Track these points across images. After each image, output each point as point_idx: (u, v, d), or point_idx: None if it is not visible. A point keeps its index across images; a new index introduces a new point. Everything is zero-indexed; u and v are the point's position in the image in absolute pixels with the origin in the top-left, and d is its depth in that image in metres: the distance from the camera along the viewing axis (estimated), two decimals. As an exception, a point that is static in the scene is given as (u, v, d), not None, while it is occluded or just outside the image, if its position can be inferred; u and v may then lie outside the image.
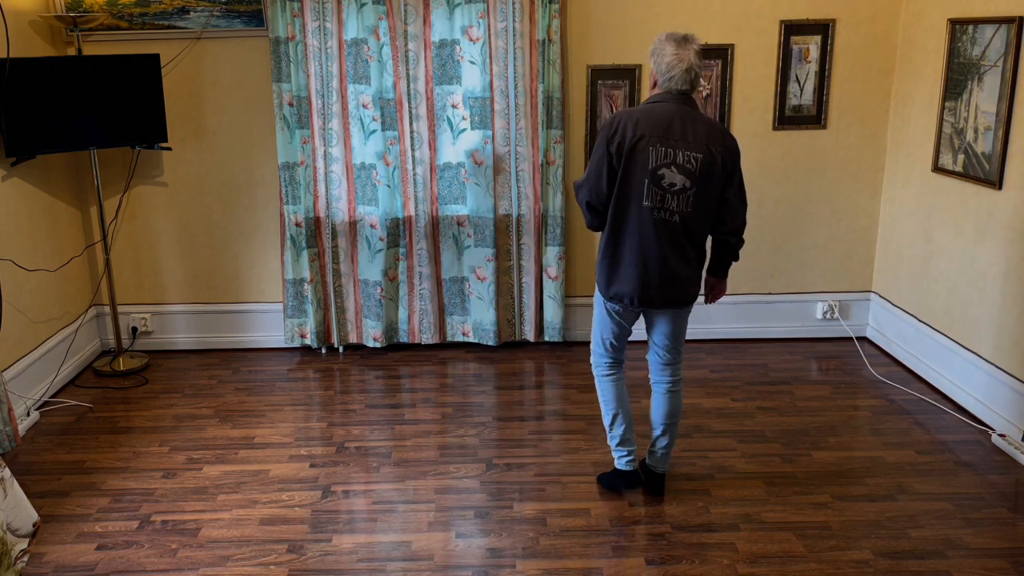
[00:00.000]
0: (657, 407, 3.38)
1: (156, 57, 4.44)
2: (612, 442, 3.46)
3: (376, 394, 4.44)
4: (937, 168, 4.34)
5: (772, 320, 5.09)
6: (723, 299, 5.02)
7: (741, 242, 3.25)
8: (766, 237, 4.95)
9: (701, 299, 4.92)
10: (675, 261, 3.11)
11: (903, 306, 4.72)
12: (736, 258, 3.31)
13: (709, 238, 3.24)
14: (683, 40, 3.04)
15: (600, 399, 3.45)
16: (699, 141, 3.02)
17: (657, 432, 3.40)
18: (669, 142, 3.01)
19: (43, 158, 4.41)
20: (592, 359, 3.44)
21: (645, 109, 3.07)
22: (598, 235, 4.91)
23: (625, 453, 3.44)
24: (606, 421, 3.44)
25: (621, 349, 3.40)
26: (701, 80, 3.07)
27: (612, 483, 3.50)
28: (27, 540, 2.78)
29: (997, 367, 3.93)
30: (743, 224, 3.20)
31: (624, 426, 3.41)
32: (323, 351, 5.01)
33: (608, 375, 3.41)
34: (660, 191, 3.04)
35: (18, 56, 4.11)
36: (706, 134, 3.04)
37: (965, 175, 4.11)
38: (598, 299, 3.32)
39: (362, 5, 4.48)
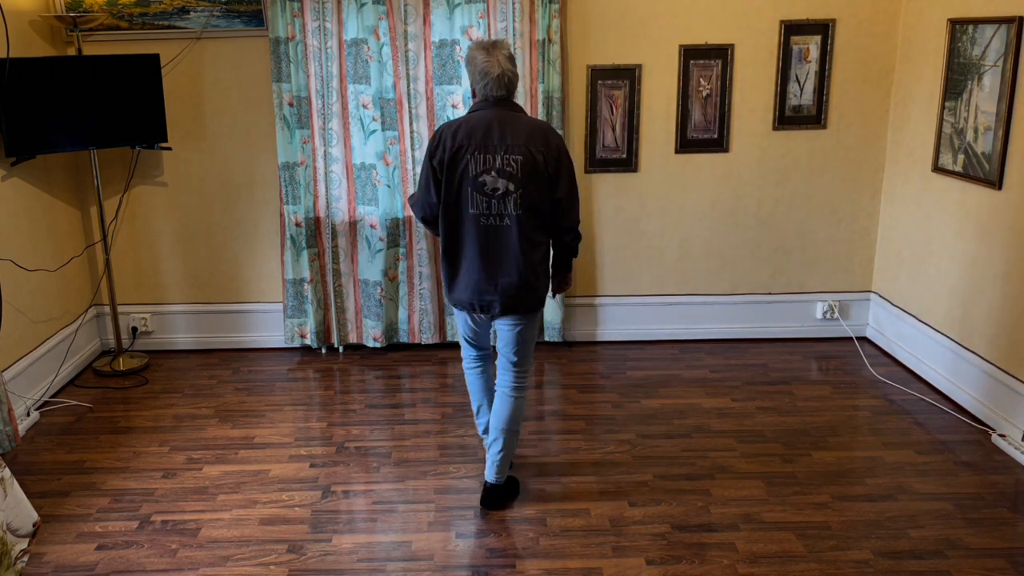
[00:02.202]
0: (495, 410, 3.34)
1: (156, 57, 4.44)
2: (479, 430, 3.55)
3: (376, 394, 4.44)
4: (937, 168, 4.34)
5: (772, 320, 5.09)
6: (723, 299, 5.03)
7: (578, 238, 3.24)
8: (766, 237, 4.95)
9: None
10: (512, 267, 3.12)
11: (903, 306, 4.72)
12: (575, 254, 3.31)
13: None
14: (492, 46, 3.07)
15: (469, 389, 3.54)
16: (518, 144, 3.03)
17: (491, 437, 3.34)
18: (488, 149, 3.04)
19: (43, 158, 4.41)
20: (462, 352, 3.52)
21: (464, 119, 3.11)
22: (598, 234, 4.92)
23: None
24: (473, 410, 3.55)
25: (484, 346, 3.46)
26: (516, 82, 3.13)
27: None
28: (27, 540, 2.78)
29: (997, 367, 3.93)
30: (576, 222, 3.19)
31: (488, 417, 3.47)
32: (323, 351, 5.01)
33: (473, 367, 3.48)
34: (484, 197, 3.06)
35: (18, 56, 4.11)
36: (526, 136, 3.05)
37: (965, 175, 4.11)
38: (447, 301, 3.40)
39: (362, 5, 4.48)
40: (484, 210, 3.07)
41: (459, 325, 3.41)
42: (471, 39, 4.53)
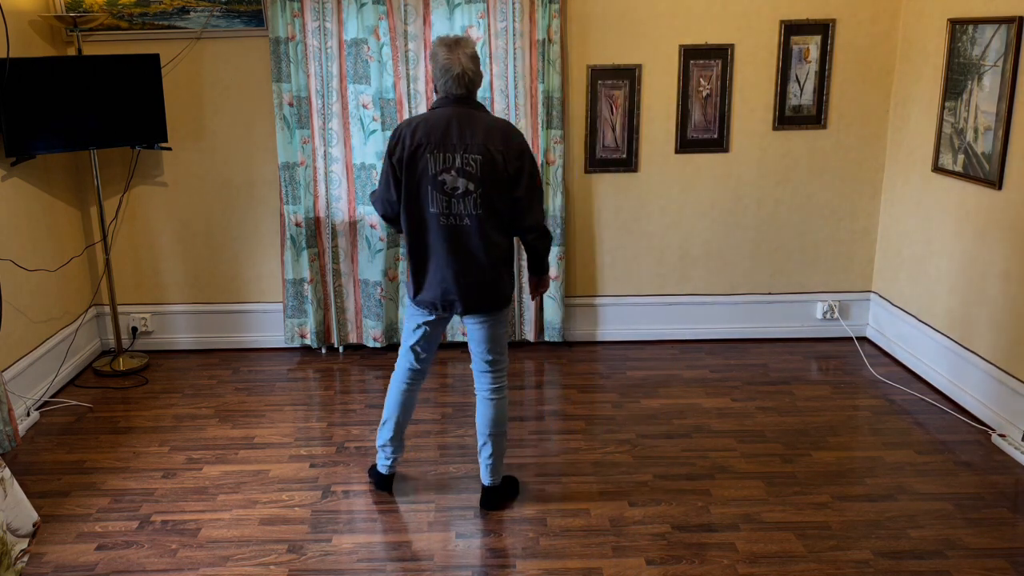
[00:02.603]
0: (479, 415, 3.32)
1: (156, 57, 4.44)
2: (377, 442, 3.46)
3: (376, 394, 4.44)
4: (937, 168, 4.34)
5: (772, 320, 5.09)
6: (723, 299, 5.03)
7: (543, 238, 3.19)
8: (766, 237, 4.95)
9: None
10: (473, 266, 3.10)
11: (903, 306, 4.72)
12: (544, 254, 3.26)
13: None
14: (455, 44, 3.04)
15: (386, 398, 3.42)
16: (477, 143, 3.01)
17: (480, 442, 3.34)
18: (447, 147, 3.01)
19: (43, 158, 4.41)
20: (397, 362, 3.40)
21: (424, 117, 3.08)
22: (598, 234, 4.92)
23: (385, 457, 3.45)
24: (381, 423, 3.44)
25: (427, 359, 3.36)
26: (479, 81, 3.11)
27: (372, 478, 3.52)
28: (27, 540, 2.78)
29: (997, 367, 3.93)
30: (538, 221, 3.14)
31: (392, 433, 3.40)
32: (323, 351, 5.01)
33: (403, 380, 3.37)
34: (445, 197, 3.04)
35: (18, 56, 4.11)
36: (485, 135, 3.02)
37: (965, 175, 4.11)
38: (408, 305, 3.31)
39: (362, 5, 4.48)
40: (444, 209, 3.05)
41: (407, 329, 3.33)
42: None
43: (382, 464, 3.46)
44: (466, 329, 3.30)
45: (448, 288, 3.12)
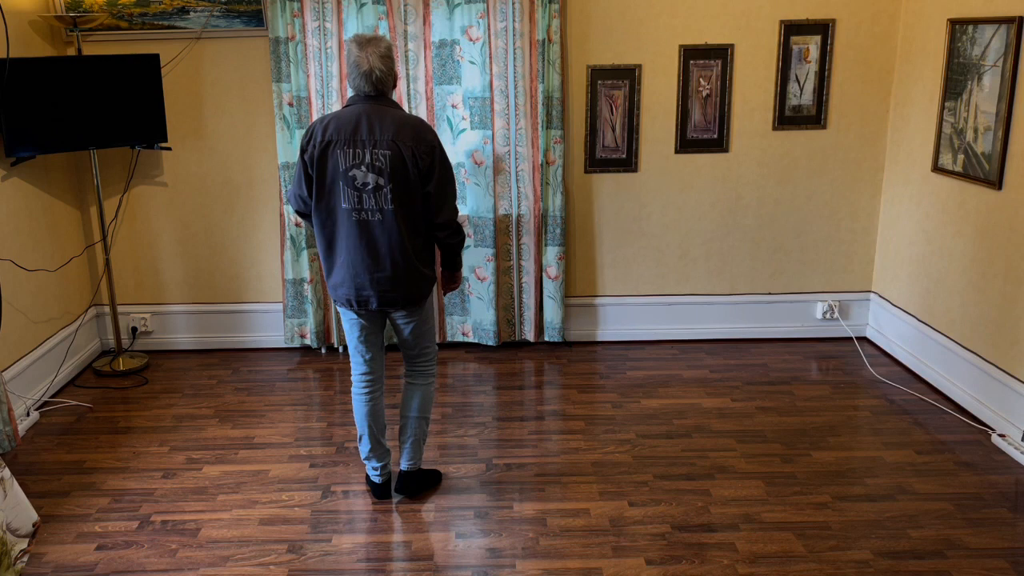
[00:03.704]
0: (403, 399, 3.42)
1: (156, 57, 4.44)
2: (361, 456, 3.47)
3: (376, 394, 4.44)
4: (937, 168, 4.34)
5: (772, 320, 5.09)
6: (723, 299, 5.03)
7: (455, 235, 3.21)
8: (766, 237, 4.95)
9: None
10: (386, 261, 3.12)
11: (903, 306, 4.72)
12: (456, 252, 3.29)
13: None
14: (367, 42, 3.04)
15: (354, 414, 3.42)
16: (387, 139, 3.03)
17: (400, 424, 3.42)
18: (356, 143, 3.03)
19: (43, 158, 4.41)
20: (352, 372, 3.40)
21: (336, 114, 3.10)
22: (598, 234, 4.93)
23: (372, 467, 3.45)
24: (358, 439, 3.43)
25: (375, 360, 3.35)
26: (390, 81, 3.13)
27: (369, 487, 3.52)
28: (27, 540, 2.78)
29: (997, 367, 3.93)
30: (450, 218, 3.16)
31: (370, 445, 3.39)
32: (323, 351, 5.01)
33: (361, 391, 3.36)
34: (355, 192, 3.06)
35: (18, 56, 4.11)
36: (395, 131, 3.03)
37: (965, 175, 4.11)
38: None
39: (362, 5, 4.48)
40: (356, 204, 3.07)
41: (346, 332, 3.34)
42: (471, 39, 4.53)
43: (374, 476, 3.46)
44: (391, 322, 3.32)
45: (361, 283, 3.14)
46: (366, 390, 3.35)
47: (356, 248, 3.11)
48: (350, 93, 3.15)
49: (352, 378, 3.39)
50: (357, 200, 3.07)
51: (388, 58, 3.06)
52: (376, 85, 3.06)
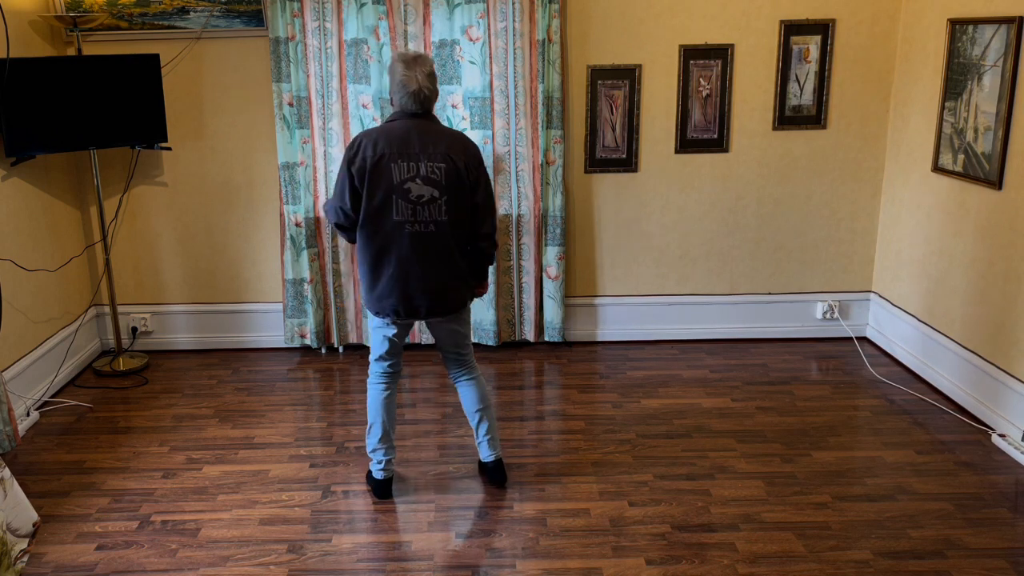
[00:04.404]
0: (464, 398, 3.46)
1: (156, 57, 4.44)
2: (368, 449, 3.48)
3: (376, 394, 4.44)
4: (937, 168, 4.34)
5: (772, 320, 5.09)
6: (723, 299, 5.03)
7: (493, 246, 3.33)
8: (766, 237, 4.95)
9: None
10: (438, 271, 3.19)
11: (903, 306, 4.72)
12: (491, 261, 3.38)
13: None
14: (413, 61, 3.11)
15: (368, 404, 3.44)
16: (440, 152, 3.11)
17: (476, 418, 3.47)
18: (411, 156, 3.10)
19: (43, 158, 4.41)
20: (371, 369, 3.42)
21: (384, 128, 3.15)
22: (598, 234, 4.92)
23: (378, 460, 3.46)
24: (368, 426, 3.45)
25: (399, 357, 3.42)
26: (435, 99, 3.20)
27: (371, 485, 3.52)
28: (27, 540, 2.79)
29: (997, 367, 3.93)
30: (494, 228, 3.29)
31: (380, 435, 3.41)
32: (323, 351, 5.01)
33: (379, 383, 3.40)
34: (410, 204, 3.12)
35: (18, 56, 4.11)
36: (447, 145, 3.13)
37: (965, 175, 4.11)
38: (369, 317, 3.37)
39: (362, 5, 4.48)
40: (409, 217, 3.13)
41: (375, 340, 3.37)
42: (471, 39, 4.53)
43: (377, 470, 3.46)
44: (432, 331, 3.39)
45: (413, 293, 3.19)
46: (386, 382, 3.41)
47: (409, 260, 3.16)
48: (393, 109, 3.21)
49: (371, 370, 3.42)
50: (411, 212, 3.12)
51: (433, 76, 3.15)
52: (423, 104, 3.14)
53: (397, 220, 3.12)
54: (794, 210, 4.92)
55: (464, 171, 3.15)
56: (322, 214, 4.75)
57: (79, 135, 4.31)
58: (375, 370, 3.41)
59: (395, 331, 3.33)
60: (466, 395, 3.45)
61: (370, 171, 3.09)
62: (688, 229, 4.93)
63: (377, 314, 3.28)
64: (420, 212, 3.13)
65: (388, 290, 3.20)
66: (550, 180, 4.73)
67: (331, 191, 4.70)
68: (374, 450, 3.44)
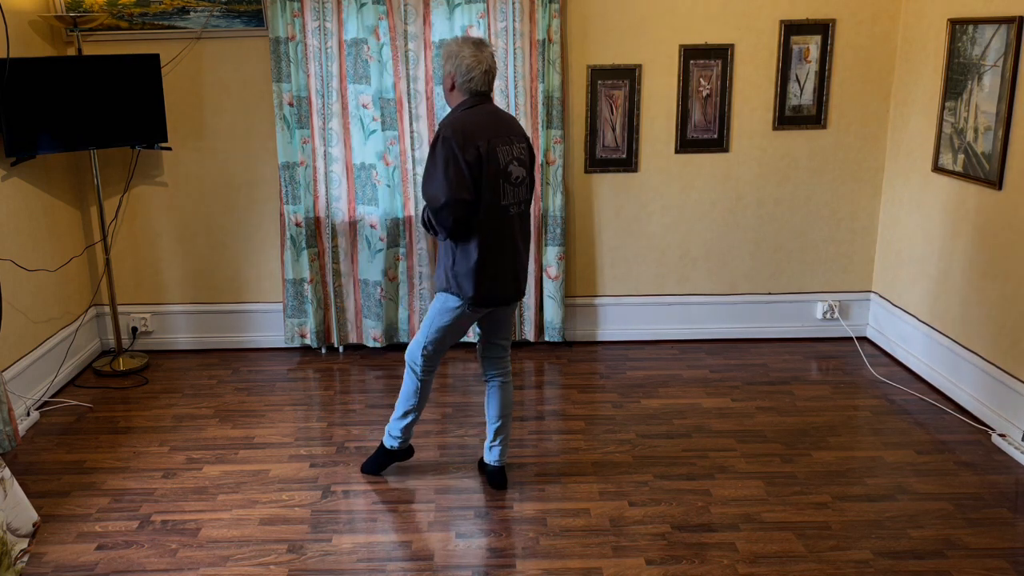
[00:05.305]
0: (491, 400, 3.45)
1: (156, 57, 4.44)
2: (395, 431, 3.51)
3: (376, 394, 4.44)
4: (937, 168, 4.34)
5: (772, 320, 5.09)
6: (723, 299, 5.04)
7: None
8: (766, 237, 4.95)
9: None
10: (526, 251, 3.29)
11: (903, 306, 4.72)
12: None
13: None
14: (479, 43, 3.14)
15: (411, 394, 3.44)
16: (517, 132, 3.19)
17: (496, 425, 3.47)
18: (507, 140, 3.14)
19: (43, 158, 4.41)
20: (418, 361, 3.39)
21: (473, 115, 3.11)
22: (598, 234, 4.92)
23: (398, 438, 3.54)
24: (399, 412, 3.48)
25: (444, 353, 3.47)
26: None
27: (380, 465, 3.59)
28: (27, 540, 2.78)
29: (997, 367, 3.93)
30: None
31: (414, 421, 3.51)
32: (323, 351, 5.01)
33: (430, 377, 3.45)
34: (512, 187, 3.16)
35: (18, 56, 4.11)
36: (518, 126, 3.23)
37: (965, 175, 4.11)
38: (448, 307, 3.24)
39: (362, 5, 4.48)
40: (513, 199, 3.17)
41: (449, 331, 3.31)
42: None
43: (394, 442, 3.54)
44: (498, 318, 3.37)
45: (517, 278, 3.25)
46: (430, 376, 3.44)
47: (514, 244, 3.21)
48: (454, 96, 3.18)
49: (423, 360, 3.37)
50: (514, 195, 3.17)
51: (494, 59, 3.20)
52: (491, 83, 3.17)
53: (504, 204, 3.13)
54: (794, 210, 4.92)
55: (531, 149, 3.25)
56: (322, 213, 4.74)
57: (79, 135, 4.31)
58: (429, 367, 3.40)
59: (473, 320, 3.31)
60: (495, 398, 3.45)
61: (486, 158, 3.05)
62: (688, 229, 4.93)
63: (477, 303, 3.18)
64: (518, 193, 3.17)
65: (498, 275, 3.18)
66: (550, 180, 4.73)
67: (331, 191, 4.69)
68: (399, 436, 3.52)
